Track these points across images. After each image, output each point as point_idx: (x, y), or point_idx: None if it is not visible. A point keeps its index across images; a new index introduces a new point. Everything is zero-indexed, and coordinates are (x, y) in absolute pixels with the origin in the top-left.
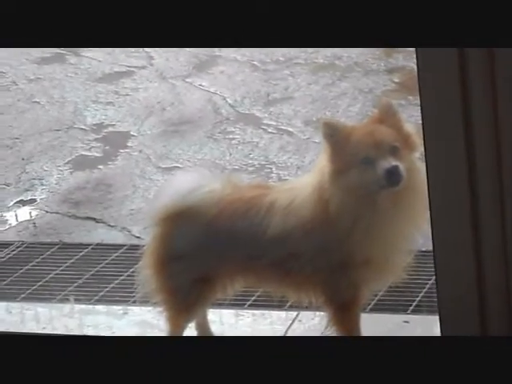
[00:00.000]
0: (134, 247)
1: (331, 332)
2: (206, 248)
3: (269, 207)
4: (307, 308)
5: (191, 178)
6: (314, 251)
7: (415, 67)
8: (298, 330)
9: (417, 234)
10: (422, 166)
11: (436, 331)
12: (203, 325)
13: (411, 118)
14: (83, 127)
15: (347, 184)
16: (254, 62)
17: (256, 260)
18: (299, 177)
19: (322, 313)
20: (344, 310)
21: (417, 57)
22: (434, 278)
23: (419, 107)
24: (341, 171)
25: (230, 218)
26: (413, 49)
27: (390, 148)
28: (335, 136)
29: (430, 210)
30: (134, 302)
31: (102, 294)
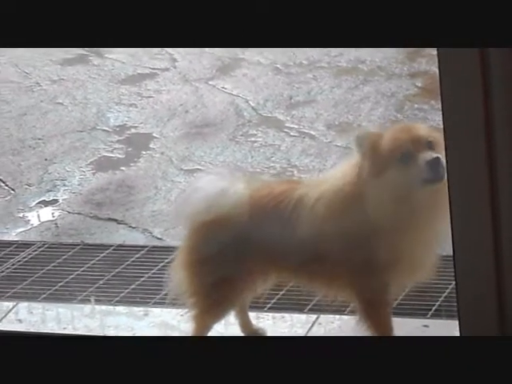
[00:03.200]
0: (156, 249)
1: (363, 328)
2: (238, 248)
3: (298, 201)
4: (327, 311)
5: (218, 181)
6: (344, 248)
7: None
8: (317, 333)
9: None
10: None
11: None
12: (247, 324)
13: (433, 123)
14: (106, 129)
15: (386, 186)
16: (277, 65)
17: (287, 256)
18: (329, 172)
19: (342, 316)
20: (374, 305)
21: (438, 59)
22: (453, 282)
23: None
24: (377, 174)
25: (261, 214)
26: (435, 53)
27: (427, 142)
28: (366, 143)
29: (451, 213)
30: (155, 303)
31: (122, 294)
